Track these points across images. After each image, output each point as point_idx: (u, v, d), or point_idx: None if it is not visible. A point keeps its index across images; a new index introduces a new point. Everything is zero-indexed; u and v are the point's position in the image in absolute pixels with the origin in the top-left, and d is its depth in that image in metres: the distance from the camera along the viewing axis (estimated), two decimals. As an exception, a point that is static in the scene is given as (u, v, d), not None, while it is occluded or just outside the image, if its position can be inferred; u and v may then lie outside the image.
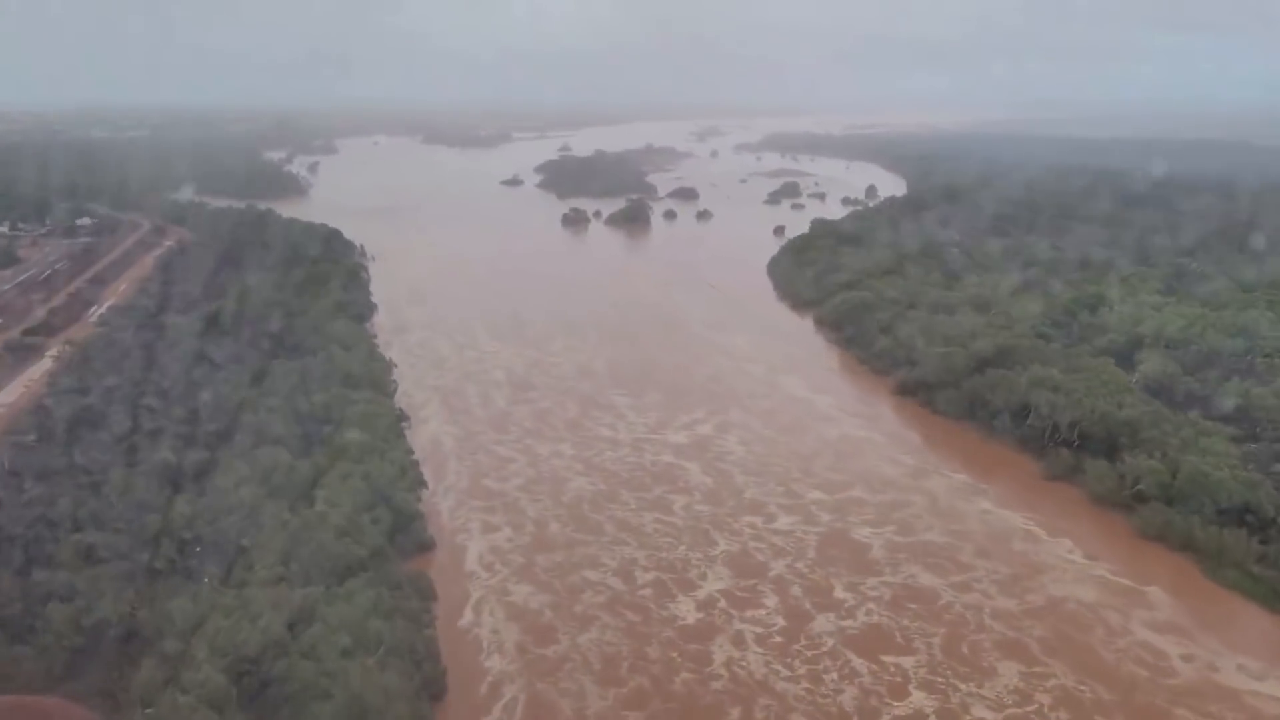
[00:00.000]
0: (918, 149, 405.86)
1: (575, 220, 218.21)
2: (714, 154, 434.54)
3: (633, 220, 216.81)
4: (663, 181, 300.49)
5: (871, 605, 57.98)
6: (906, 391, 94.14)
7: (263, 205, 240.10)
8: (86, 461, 69.67)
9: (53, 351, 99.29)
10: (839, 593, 59.43)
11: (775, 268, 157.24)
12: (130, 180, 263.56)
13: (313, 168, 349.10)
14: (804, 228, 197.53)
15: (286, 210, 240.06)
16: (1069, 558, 64.06)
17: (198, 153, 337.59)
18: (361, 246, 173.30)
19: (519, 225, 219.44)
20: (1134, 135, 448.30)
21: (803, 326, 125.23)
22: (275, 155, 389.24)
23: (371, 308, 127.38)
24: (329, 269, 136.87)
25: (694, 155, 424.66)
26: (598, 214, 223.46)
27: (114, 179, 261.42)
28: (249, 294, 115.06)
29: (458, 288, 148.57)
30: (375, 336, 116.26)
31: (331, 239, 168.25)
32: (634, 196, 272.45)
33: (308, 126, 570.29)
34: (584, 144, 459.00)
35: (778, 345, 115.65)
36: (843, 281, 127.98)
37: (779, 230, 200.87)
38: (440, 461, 79.22)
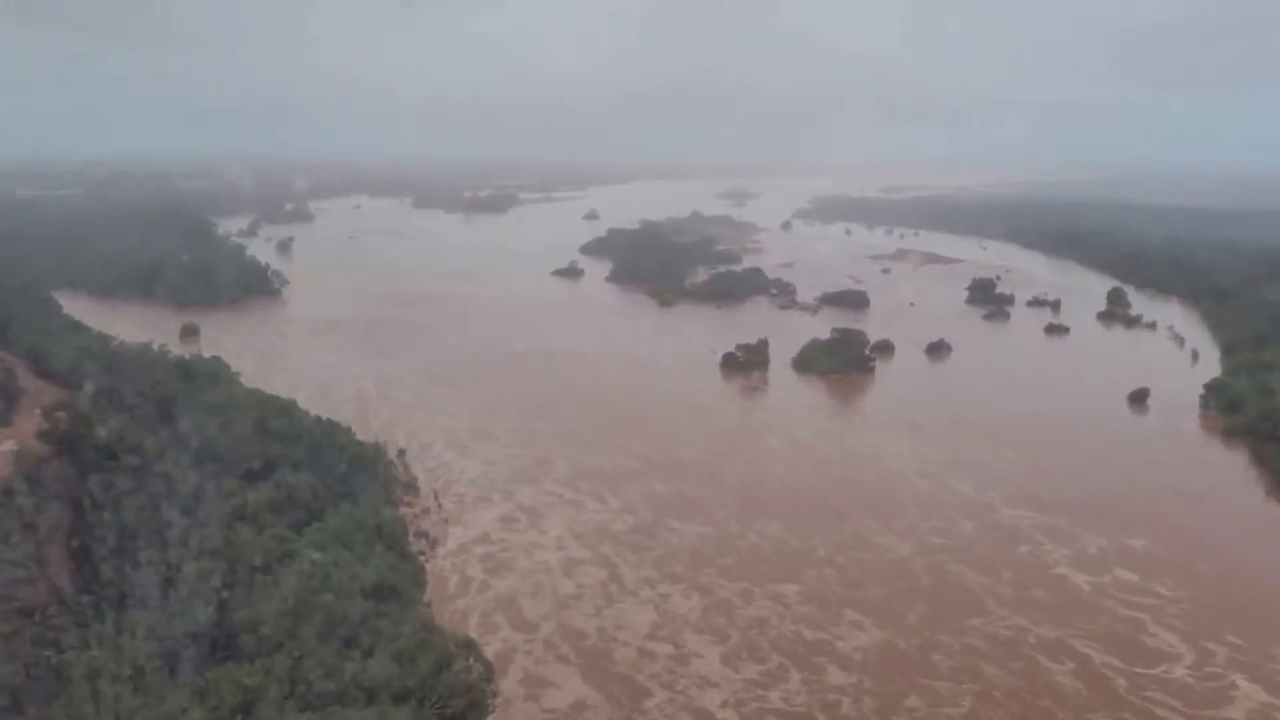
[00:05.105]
0: (1031, 221, 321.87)
1: (743, 366, 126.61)
2: (786, 226, 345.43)
3: (846, 366, 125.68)
4: (770, 268, 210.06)
5: None
6: None
7: (212, 325, 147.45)
8: None
9: None
10: None
11: None
12: (21, 272, 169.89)
13: (284, 246, 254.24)
14: (1158, 382, 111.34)
15: (248, 331, 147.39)
16: None
17: (133, 225, 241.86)
18: (424, 487, 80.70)
19: (648, 372, 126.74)
20: (1230, 204, 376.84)
21: None
22: (236, 225, 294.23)
23: None
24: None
25: (761, 227, 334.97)
26: (764, 344, 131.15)
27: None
28: None
29: None
30: None
31: (351, 475, 74.55)
32: (773, 297, 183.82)
33: (275, 184, 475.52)
34: (606, 208, 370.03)
35: None
36: None
37: (1138, 398, 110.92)
38: None
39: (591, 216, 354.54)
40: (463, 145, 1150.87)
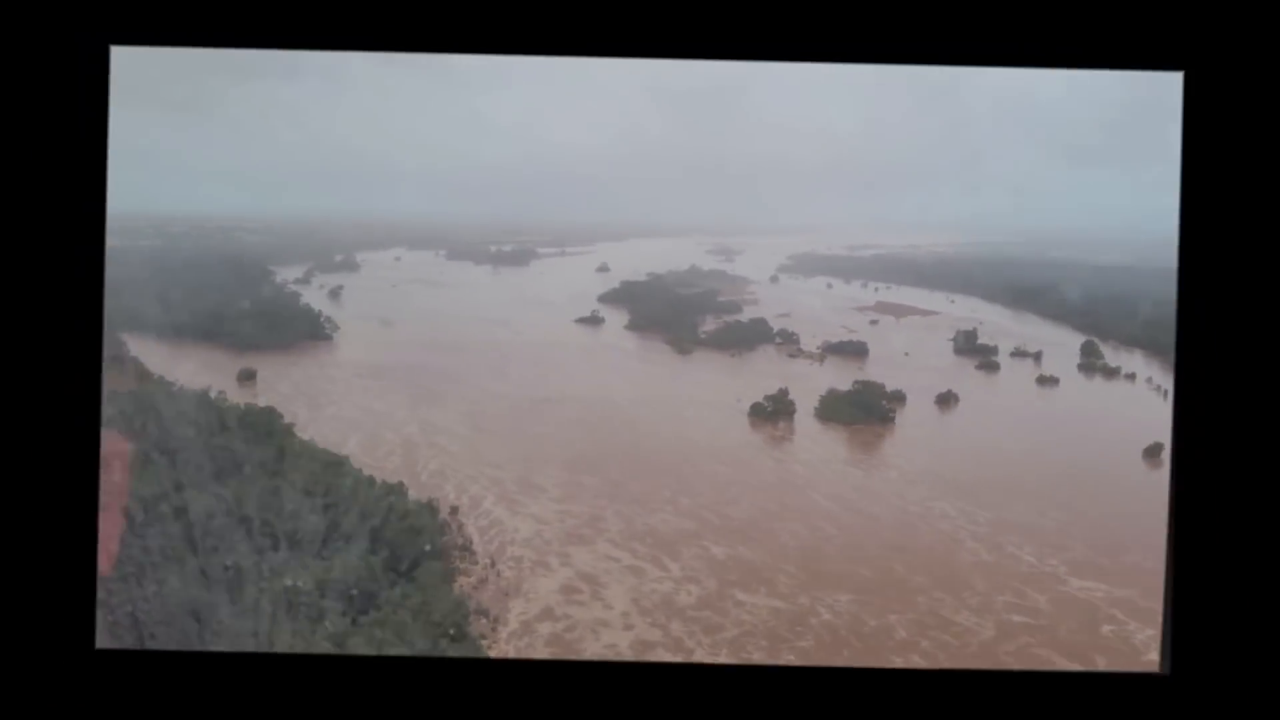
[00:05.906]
0: (986, 276, 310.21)
1: (770, 416, 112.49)
2: (774, 279, 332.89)
3: (868, 416, 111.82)
4: (771, 318, 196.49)
5: None
6: None
7: (269, 368, 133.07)
8: None
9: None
10: None
11: None
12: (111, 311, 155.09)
13: (335, 294, 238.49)
14: (1161, 434, 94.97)
15: (303, 375, 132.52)
16: None
17: (199, 273, 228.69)
18: (478, 549, 66.86)
19: (680, 421, 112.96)
20: (1154, 264, 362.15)
21: None
22: (292, 273, 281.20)
23: None
24: None
25: (752, 280, 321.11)
26: (785, 394, 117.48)
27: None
28: None
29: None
30: None
31: (406, 546, 60.96)
32: (779, 346, 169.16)
33: (324, 237, 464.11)
34: (615, 262, 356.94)
35: None
36: None
37: (1152, 453, 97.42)
38: None
39: (603, 269, 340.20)
40: (484, 204, 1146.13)
